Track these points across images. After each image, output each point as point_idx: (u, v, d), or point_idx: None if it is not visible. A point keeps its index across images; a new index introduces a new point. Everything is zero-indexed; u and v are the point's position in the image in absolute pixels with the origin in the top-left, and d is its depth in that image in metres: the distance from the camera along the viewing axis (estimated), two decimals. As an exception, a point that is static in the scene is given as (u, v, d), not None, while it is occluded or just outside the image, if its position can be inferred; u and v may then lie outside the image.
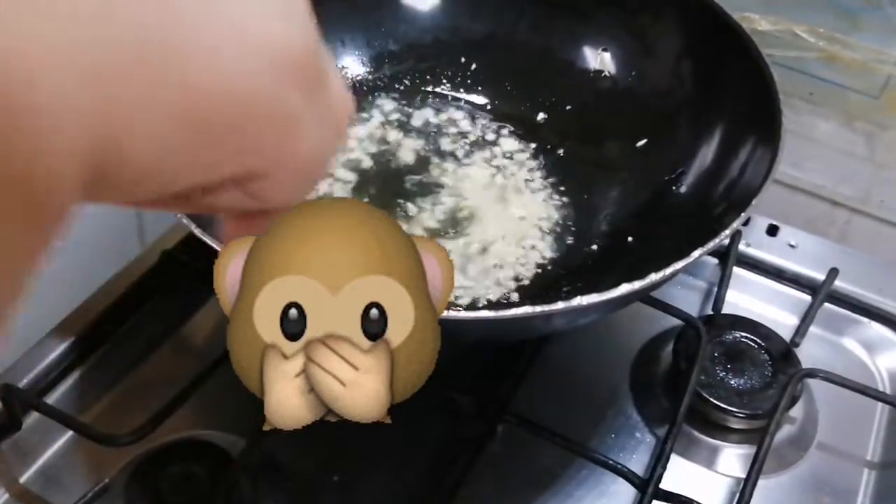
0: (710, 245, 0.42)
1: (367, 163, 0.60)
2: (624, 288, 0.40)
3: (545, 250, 0.56)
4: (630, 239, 0.55)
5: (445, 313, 0.40)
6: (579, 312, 0.41)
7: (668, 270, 0.41)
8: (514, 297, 0.53)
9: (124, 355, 0.55)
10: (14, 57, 0.14)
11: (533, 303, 0.52)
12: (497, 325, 0.41)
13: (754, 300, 0.62)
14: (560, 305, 0.39)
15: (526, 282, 0.54)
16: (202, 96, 0.19)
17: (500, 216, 0.58)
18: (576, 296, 0.51)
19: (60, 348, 0.53)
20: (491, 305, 0.52)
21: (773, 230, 0.65)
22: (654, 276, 0.41)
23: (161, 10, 0.17)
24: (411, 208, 0.58)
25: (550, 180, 0.60)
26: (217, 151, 0.20)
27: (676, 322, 0.56)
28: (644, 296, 0.51)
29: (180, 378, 0.51)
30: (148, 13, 0.17)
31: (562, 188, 0.59)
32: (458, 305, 0.52)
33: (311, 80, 0.22)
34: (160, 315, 0.57)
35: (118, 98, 0.16)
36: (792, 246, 0.64)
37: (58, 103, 0.15)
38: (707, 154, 0.54)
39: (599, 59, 0.63)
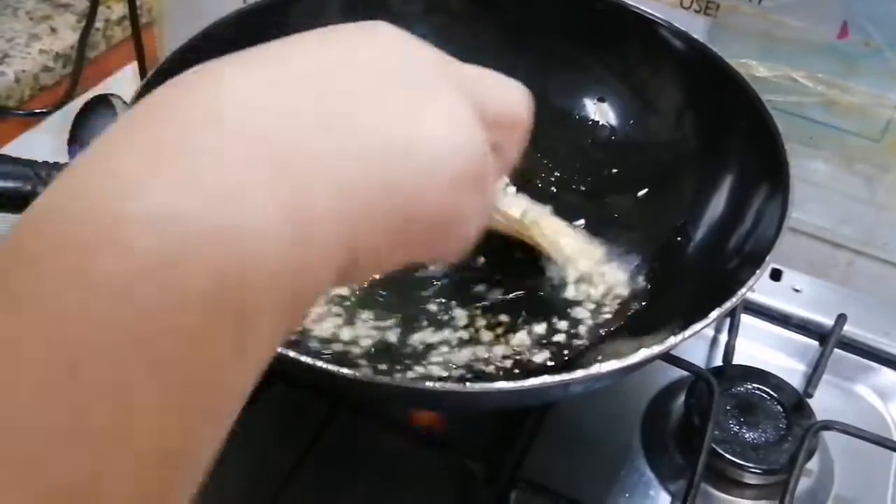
0: (731, 303, 0.42)
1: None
2: (643, 353, 0.39)
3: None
4: (644, 291, 0.53)
5: (461, 386, 0.39)
6: (597, 379, 0.40)
7: (688, 332, 0.40)
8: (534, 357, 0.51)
9: None
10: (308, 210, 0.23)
11: (551, 362, 0.50)
12: (516, 395, 0.40)
13: (762, 347, 0.61)
14: (579, 374, 0.38)
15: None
16: (408, 216, 0.26)
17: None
18: (593, 354, 0.50)
19: None
20: (508, 371, 0.50)
21: (776, 274, 0.64)
22: (672, 340, 0.40)
23: (387, 161, 0.25)
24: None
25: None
26: (416, 249, 0.29)
27: (684, 372, 0.55)
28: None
29: None
30: (378, 168, 0.25)
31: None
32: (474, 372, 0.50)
33: (478, 181, 0.29)
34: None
35: (361, 230, 0.25)
36: (797, 290, 0.63)
37: (330, 242, 0.24)
38: (714, 205, 0.53)
39: (597, 110, 0.62)
